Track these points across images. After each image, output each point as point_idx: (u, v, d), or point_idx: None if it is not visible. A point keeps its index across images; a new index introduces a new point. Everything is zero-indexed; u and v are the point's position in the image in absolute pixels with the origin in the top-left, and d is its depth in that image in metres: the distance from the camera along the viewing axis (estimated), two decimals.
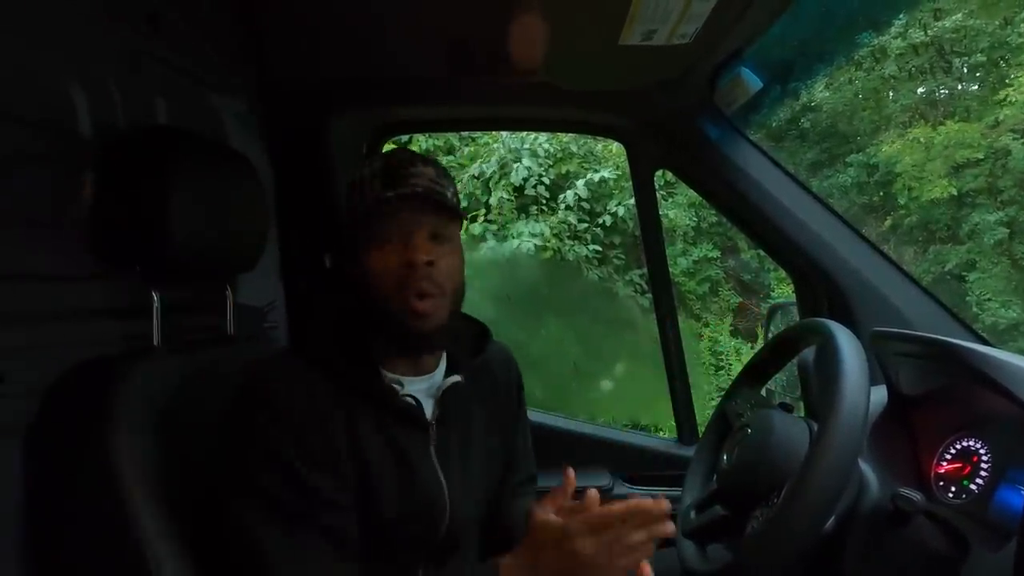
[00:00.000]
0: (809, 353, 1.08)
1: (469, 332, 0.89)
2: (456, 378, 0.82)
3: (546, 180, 5.85)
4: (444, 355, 0.85)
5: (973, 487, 0.81)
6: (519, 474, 0.97)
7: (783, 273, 2.03)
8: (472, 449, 0.85)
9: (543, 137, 5.81)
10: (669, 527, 0.68)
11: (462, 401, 0.83)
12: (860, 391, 0.72)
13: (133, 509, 0.69)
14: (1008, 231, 6.36)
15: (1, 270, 0.68)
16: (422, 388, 0.80)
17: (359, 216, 0.76)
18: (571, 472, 0.73)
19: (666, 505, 0.68)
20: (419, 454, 0.78)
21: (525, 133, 5.66)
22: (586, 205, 5.84)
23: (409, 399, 0.78)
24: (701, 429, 1.29)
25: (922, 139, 6.59)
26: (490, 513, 0.91)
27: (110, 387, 0.73)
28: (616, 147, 5.64)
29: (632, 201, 2.05)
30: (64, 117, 0.78)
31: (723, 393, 1.04)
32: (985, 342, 1.10)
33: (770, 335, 1.38)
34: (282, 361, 0.77)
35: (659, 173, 1.44)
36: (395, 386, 0.78)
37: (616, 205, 5.81)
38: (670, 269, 1.53)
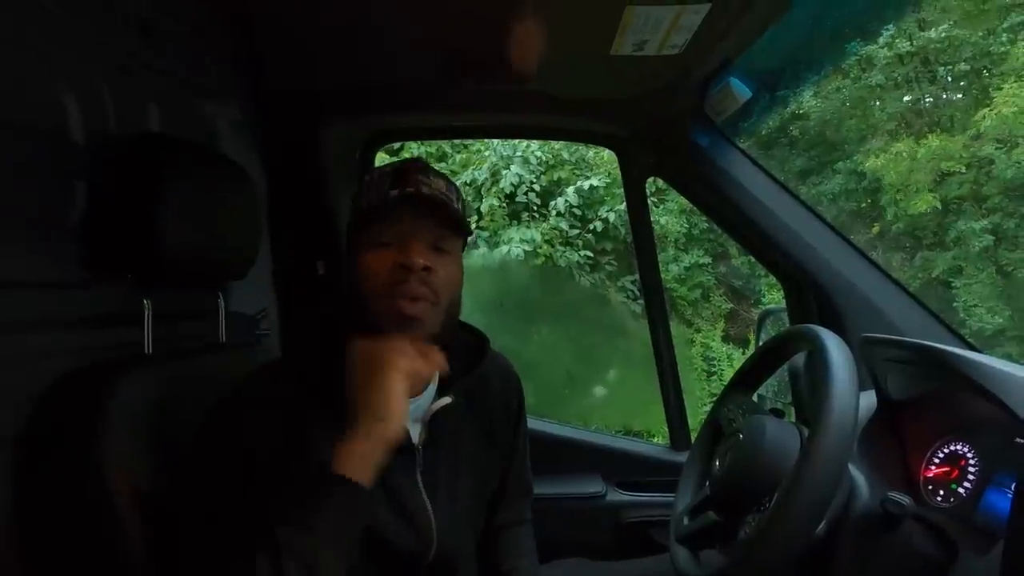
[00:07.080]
0: (800, 359, 1.09)
1: (465, 344, 0.84)
2: (445, 400, 0.77)
3: (537, 187, 5.88)
4: (436, 374, 0.80)
5: (961, 491, 0.81)
6: (511, 499, 0.93)
7: (773, 279, 2.04)
8: (461, 472, 0.81)
9: (535, 144, 5.84)
10: None
11: (453, 422, 0.80)
12: (850, 396, 0.72)
13: (124, 517, 0.69)
14: (993, 238, 6.45)
15: None
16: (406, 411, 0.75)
17: (362, 215, 0.74)
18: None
19: None
20: (404, 478, 0.75)
21: (517, 140, 5.68)
22: (577, 211, 5.87)
23: None
24: (693, 435, 1.29)
25: (905, 152, 6.69)
26: (484, 539, 0.88)
27: (101, 395, 0.73)
28: (607, 154, 5.68)
29: (623, 207, 2.06)
30: (56, 124, 0.78)
31: (715, 399, 1.04)
32: (972, 348, 1.12)
33: (761, 341, 1.39)
34: (259, 381, 0.73)
35: (650, 180, 1.45)
36: None
37: (607, 211, 5.83)
38: (662, 275, 1.54)
